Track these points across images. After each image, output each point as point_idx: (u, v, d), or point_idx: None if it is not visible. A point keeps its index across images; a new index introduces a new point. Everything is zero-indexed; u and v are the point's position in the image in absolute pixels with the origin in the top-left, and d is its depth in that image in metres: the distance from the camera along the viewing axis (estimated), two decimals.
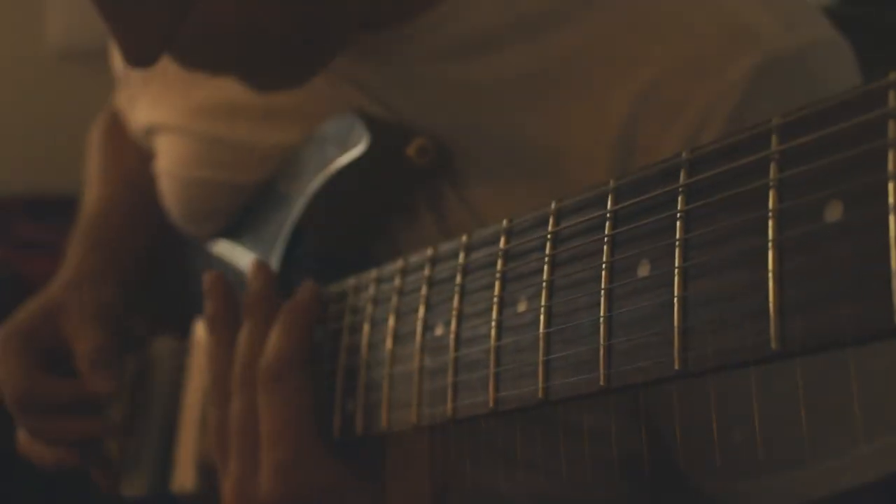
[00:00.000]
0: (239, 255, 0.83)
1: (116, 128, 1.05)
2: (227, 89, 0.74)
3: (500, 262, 0.50)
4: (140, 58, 0.64)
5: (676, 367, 0.38)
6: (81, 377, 0.84)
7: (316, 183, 0.72)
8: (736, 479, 0.66)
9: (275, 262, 0.76)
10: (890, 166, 0.32)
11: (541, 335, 0.46)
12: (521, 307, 0.48)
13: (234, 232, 0.85)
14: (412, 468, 0.63)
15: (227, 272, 0.85)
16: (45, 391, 0.84)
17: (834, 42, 0.63)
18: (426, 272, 0.56)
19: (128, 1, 0.62)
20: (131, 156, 1.01)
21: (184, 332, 0.89)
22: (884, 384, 0.64)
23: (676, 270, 0.39)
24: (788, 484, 0.64)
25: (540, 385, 0.45)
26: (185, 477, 0.90)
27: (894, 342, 0.62)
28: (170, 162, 0.88)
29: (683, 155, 0.41)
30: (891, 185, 0.32)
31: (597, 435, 0.73)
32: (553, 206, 0.48)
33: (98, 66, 1.13)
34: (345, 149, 0.71)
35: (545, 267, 0.47)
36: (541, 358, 0.46)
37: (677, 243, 0.40)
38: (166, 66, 0.68)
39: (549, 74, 0.66)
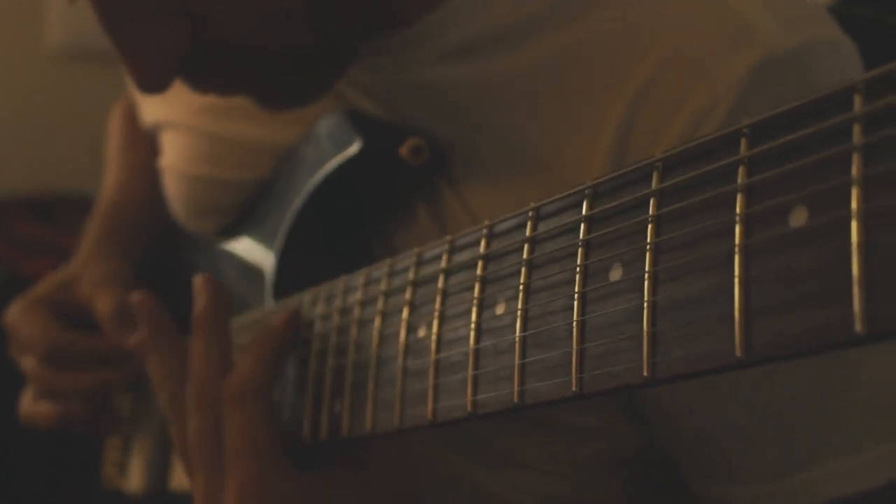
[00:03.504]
0: (241, 252, 0.83)
1: (133, 113, 1.06)
2: None
3: (480, 265, 0.50)
4: (151, 84, 0.65)
5: (645, 373, 0.38)
6: (104, 334, 0.87)
7: (312, 182, 0.72)
8: (734, 484, 0.66)
9: (273, 259, 0.76)
10: (854, 171, 0.32)
11: (517, 338, 0.46)
12: (500, 310, 0.48)
13: (235, 229, 0.85)
14: (383, 464, 0.63)
15: (231, 268, 0.85)
16: (70, 344, 0.87)
17: (836, 41, 0.62)
18: (411, 274, 0.56)
19: (138, 29, 0.63)
20: (145, 144, 1.01)
21: (186, 331, 0.89)
22: (881, 390, 0.64)
23: (647, 274, 0.39)
24: (784, 489, 0.64)
25: (515, 389, 0.45)
26: (183, 475, 0.90)
27: (888, 347, 0.62)
28: (174, 158, 0.88)
29: (657, 157, 0.41)
30: (854, 191, 0.31)
31: (596, 436, 0.73)
32: (532, 207, 0.48)
33: (97, 65, 1.13)
34: (339, 148, 0.71)
35: (523, 269, 0.47)
36: (517, 361, 0.45)
37: (648, 247, 0.39)
38: None
39: (546, 76, 0.65)
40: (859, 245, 0.31)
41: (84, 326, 0.90)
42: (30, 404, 0.91)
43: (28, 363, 0.89)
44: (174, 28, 0.63)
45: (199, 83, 0.70)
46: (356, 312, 0.61)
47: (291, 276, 0.74)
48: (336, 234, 0.74)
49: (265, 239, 0.79)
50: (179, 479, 0.91)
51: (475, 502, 0.75)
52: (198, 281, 0.66)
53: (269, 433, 0.60)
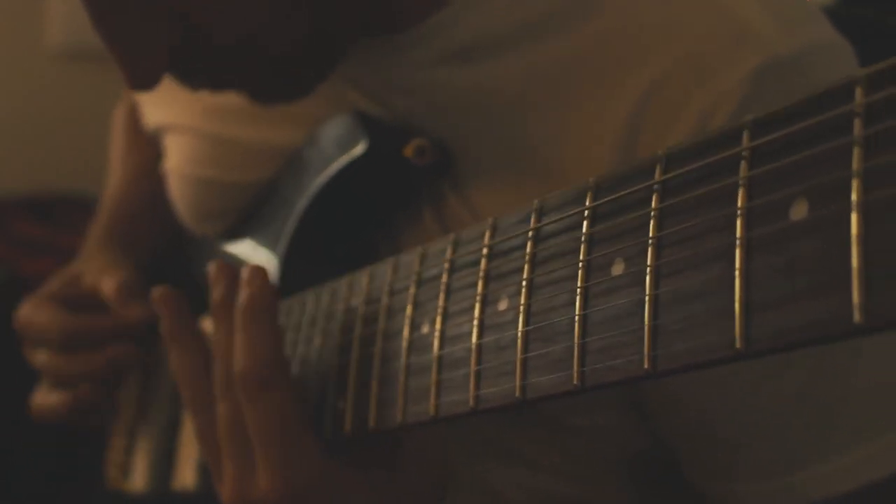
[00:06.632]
0: (245, 254, 0.83)
1: (136, 114, 1.06)
2: None
3: (483, 261, 0.50)
4: (142, 82, 0.65)
5: (646, 366, 0.38)
6: (113, 311, 0.88)
7: (317, 184, 0.73)
8: (736, 482, 0.66)
9: (278, 261, 0.76)
10: (854, 164, 0.32)
11: (519, 333, 0.46)
12: (503, 305, 0.48)
13: (239, 231, 0.85)
14: (416, 464, 0.63)
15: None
16: (84, 325, 0.88)
17: (835, 44, 0.63)
18: (415, 271, 0.56)
19: (129, 26, 0.63)
20: (148, 145, 1.02)
21: None
22: (881, 383, 0.64)
23: (649, 269, 0.39)
24: (785, 486, 0.64)
25: (517, 383, 0.45)
26: (186, 475, 0.90)
27: (886, 342, 0.62)
28: (178, 161, 0.88)
29: (660, 153, 0.41)
30: (854, 183, 0.32)
31: (599, 434, 0.73)
32: (535, 204, 0.48)
33: (98, 65, 1.14)
34: (344, 149, 0.71)
35: (525, 265, 0.47)
36: (519, 356, 0.46)
37: (650, 241, 0.40)
38: None
39: (550, 78, 0.66)
40: (859, 237, 0.31)
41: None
42: (41, 397, 0.91)
43: (41, 356, 0.89)
44: (165, 25, 0.63)
45: (191, 80, 0.70)
46: (360, 310, 0.61)
47: (296, 277, 0.74)
48: (341, 236, 0.74)
49: (269, 241, 0.79)
50: (183, 478, 0.91)
51: (477, 500, 0.75)
52: (212, 268, 0.66)
53: (300, 410, 0.60)
